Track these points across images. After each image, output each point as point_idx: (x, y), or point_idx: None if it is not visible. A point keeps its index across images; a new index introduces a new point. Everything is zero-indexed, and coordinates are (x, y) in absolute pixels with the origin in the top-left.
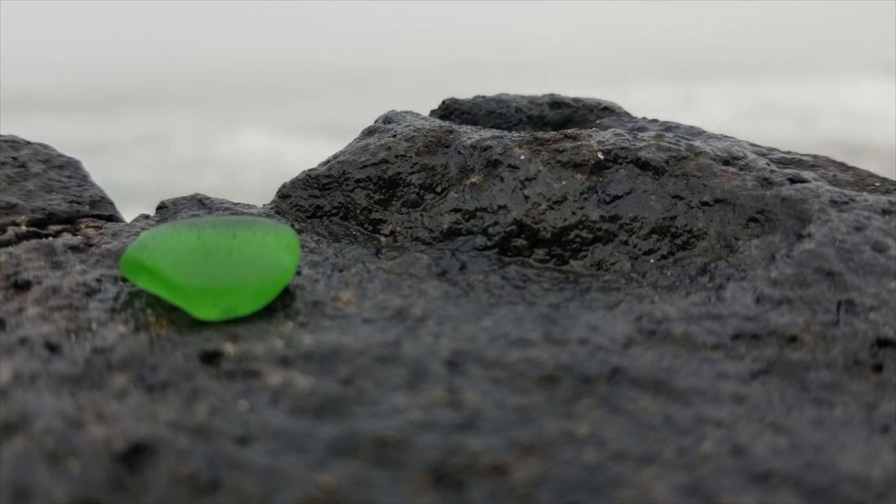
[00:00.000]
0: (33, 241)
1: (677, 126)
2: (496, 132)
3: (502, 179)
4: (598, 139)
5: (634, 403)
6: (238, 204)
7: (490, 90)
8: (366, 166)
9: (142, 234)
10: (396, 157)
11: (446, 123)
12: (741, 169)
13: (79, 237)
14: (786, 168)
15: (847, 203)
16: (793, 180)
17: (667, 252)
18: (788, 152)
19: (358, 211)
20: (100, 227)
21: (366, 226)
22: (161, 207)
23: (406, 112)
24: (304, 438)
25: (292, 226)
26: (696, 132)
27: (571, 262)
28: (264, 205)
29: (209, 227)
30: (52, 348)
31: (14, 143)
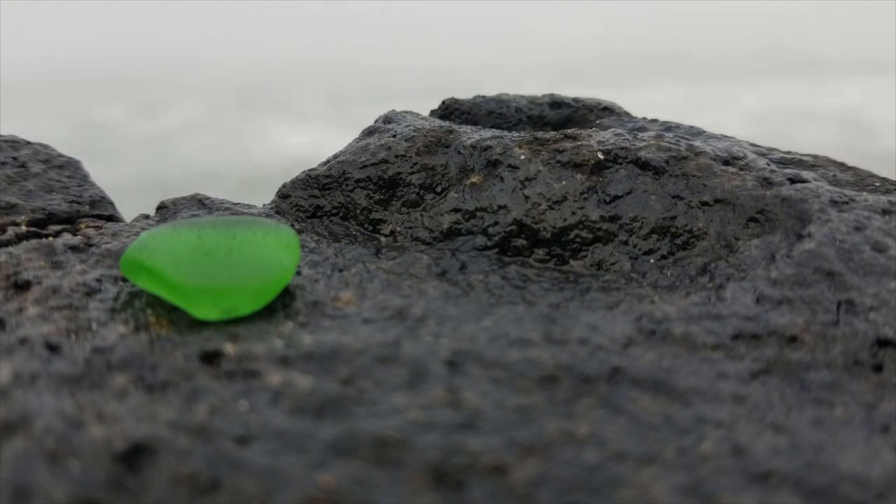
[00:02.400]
0: (33, 241)
1: (677, 126)
2: (496, 132)
3: (502, 179)
4: (598, 139)
5: (634, 403)
6: (238, 204)
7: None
8: (366, 166)
9: (142, 234)
10: (396, 157)
11: (446, 123)
12: (741, 169)
13: (79, 237)
14: (786, 168)
15: (847, 203)
16: (793, 180)
17: (667, 252)
18: (788, 152)
19: (358, 211)
20: (100, 227)
21: (366, 226)
22: (161, 207)
23: (406, 112)
24: (304, 438)
25: (292, 226)
26: (696, 132)
27: (571, 262)
28: (264, 205)
29: (209, 227)
30: (52, 348)
31: (14, 143)
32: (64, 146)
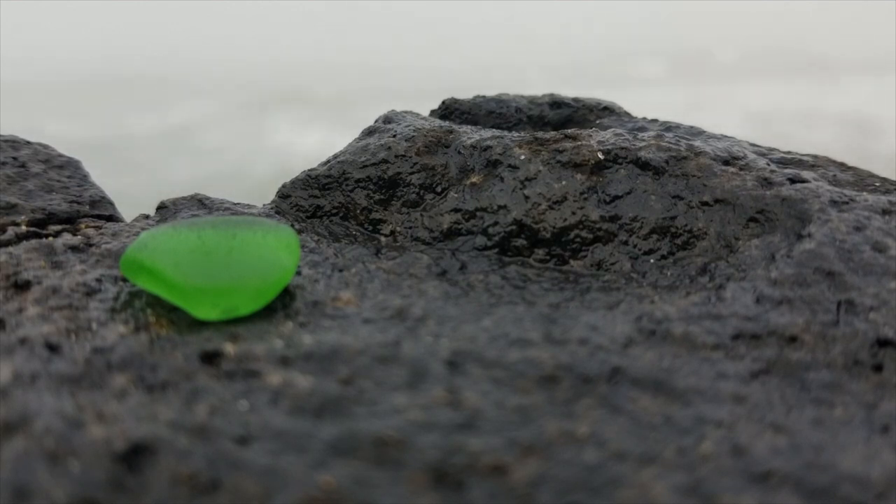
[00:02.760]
0: (33, 241)
1: (677, 126)
2: (496, 132)
3: (502, 179)
4: (598, 139)
5: (634, 403)
6: (238, 204)
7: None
8: (366, 166)
9: (142, 234)
10: (396, 157)
11: (446, 123)
12: (741, 169)
13: (79, 237)
14: (786, 168)
15: (847, 203)
16: (793, 180)
17: (667, 252)
18: (788, 152)
19: (358, 211)
20: (100, 227)
21: (366, 226)
22: (161, 207)
23: (406, 112)
24: (304, 438)
25: (292, 226)
26: (696, 132)
27: (571, 262)
28: (264, 205)
29: (209, 227)
30: (52, 348)
31: (14, 143)
32: (65, 146)
